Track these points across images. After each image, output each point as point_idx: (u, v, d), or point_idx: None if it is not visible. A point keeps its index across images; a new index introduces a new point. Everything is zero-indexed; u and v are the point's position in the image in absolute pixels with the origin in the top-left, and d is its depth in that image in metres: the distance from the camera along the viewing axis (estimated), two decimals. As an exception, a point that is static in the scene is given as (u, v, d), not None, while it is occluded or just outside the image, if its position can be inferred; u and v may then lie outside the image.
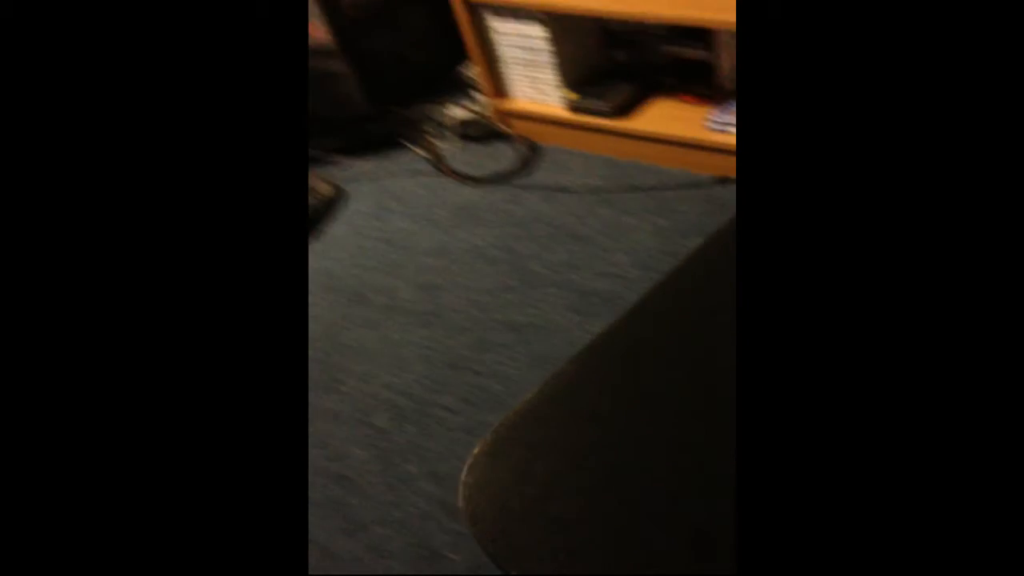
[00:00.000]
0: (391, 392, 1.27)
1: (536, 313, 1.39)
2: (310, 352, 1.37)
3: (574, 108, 1.68)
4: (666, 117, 1.61)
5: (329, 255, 1.56)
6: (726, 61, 1.59)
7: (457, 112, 1.82)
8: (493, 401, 1.22)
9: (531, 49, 1.66)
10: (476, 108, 1.82)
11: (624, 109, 1.65)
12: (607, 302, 1.38)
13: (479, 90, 1.80)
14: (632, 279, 1.43)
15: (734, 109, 1.57)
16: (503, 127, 1.80)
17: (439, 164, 1.74)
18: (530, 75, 1.71)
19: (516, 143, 1.78)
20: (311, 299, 1.51)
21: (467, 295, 1.47)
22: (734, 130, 1.54)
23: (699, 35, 1.60)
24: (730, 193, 1.54)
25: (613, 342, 0.59)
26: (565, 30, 1.64)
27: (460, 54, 1.81)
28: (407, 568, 1.03)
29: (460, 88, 1.89)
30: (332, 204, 1.65)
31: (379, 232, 1.60)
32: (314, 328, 1.44)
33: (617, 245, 1.52)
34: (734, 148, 1.53)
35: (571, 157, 1.72)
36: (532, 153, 1.75)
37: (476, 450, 0.54)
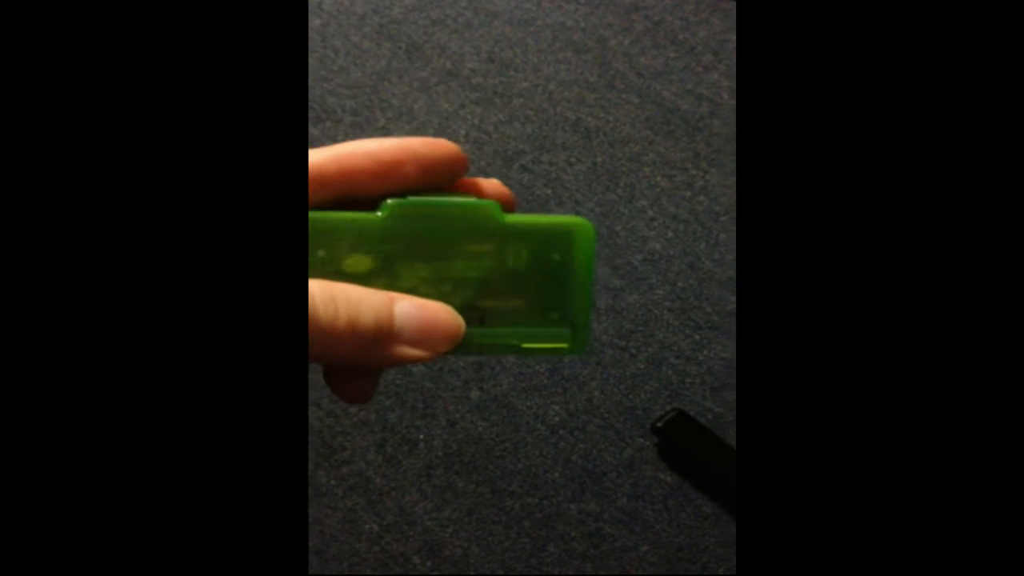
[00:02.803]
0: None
1: (608, 120, 1.21)
2: (347, 97, 1.24)
3: None
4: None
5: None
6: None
7: None
8: (537, 203, 1.18)
9: None
10: None
11: None
12: (688, 125, 1.20)
13: None
14: (724, 107, 1.18)
15: None
16: None
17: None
18: None
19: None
20: (359, 42, 1.34)
21: (540, 80, 1.29)
22: None
23: None
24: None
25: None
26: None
27: None
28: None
29: None
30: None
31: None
32: (357, 74, 1.29)
33: (720, 64, 1.29)
34: None
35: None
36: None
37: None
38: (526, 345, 0.37)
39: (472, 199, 0.36)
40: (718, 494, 0.94)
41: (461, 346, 0.35)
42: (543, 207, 1.17)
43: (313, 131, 1.22)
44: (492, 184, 0.39)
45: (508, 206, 0.38)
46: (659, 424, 0.96)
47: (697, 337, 1.04)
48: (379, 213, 0.35)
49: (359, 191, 0.36)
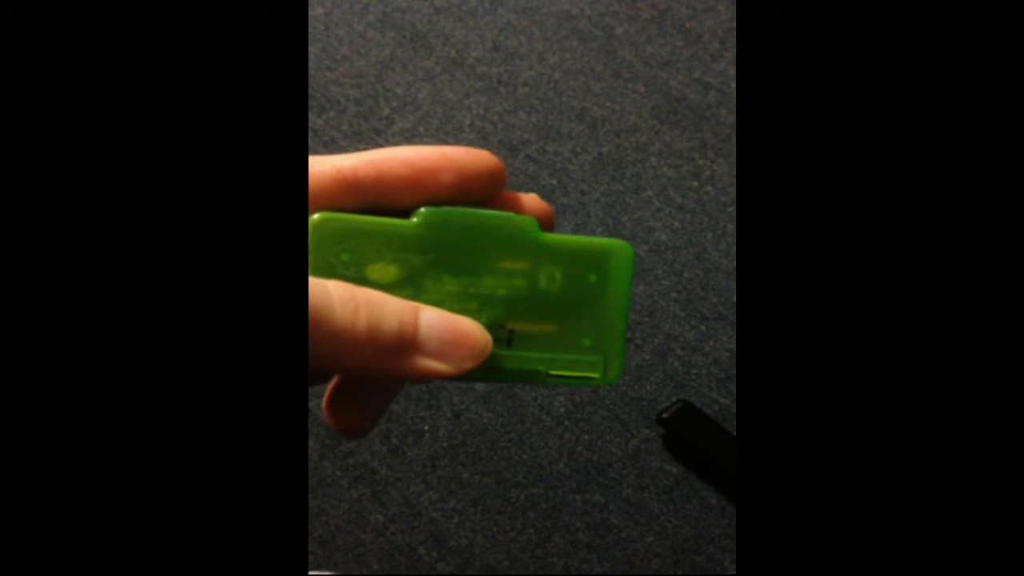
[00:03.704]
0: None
1: (614, 109, 1.21)
2: (351, 86, 1.23)
3: None
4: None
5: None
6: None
7: None
8: (542, 194, 1.12)
9: None
10: None
11: None
12: (695, 114, 1.19)
13: None
14: (731, 95, 1.17)
15: None
16: None
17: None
18: None
19: None
20: (363, 31, 1.33)
21: (545, 69, 1.29)
22: None
23: None
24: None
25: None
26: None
27: None
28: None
29: None
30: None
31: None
32: (360, 64, 1.27)
33: (727, 53, 1.28)
34: None
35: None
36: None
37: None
38: (554, 372, 0.35)
39: (510, 214, 0.35)
40: (723, 485, 0.94)
41: (485, 368, 0.34)
42: (548, 197, 1.16)
43: (317, 121, 1.21)
44: (532, 199, 0.37)
45: (546, 223, 0.36)
46: (665, 415, 0.96)
47: (703, 328, 1.04)
48: (413, 219, 0.34)
49: (392, 199, 0.34)
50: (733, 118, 1.21)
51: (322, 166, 0.33)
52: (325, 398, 0.36)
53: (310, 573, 0.89)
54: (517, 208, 0.36)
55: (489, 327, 0.34)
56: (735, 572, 0.90)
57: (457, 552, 0.91)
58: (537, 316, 0.35)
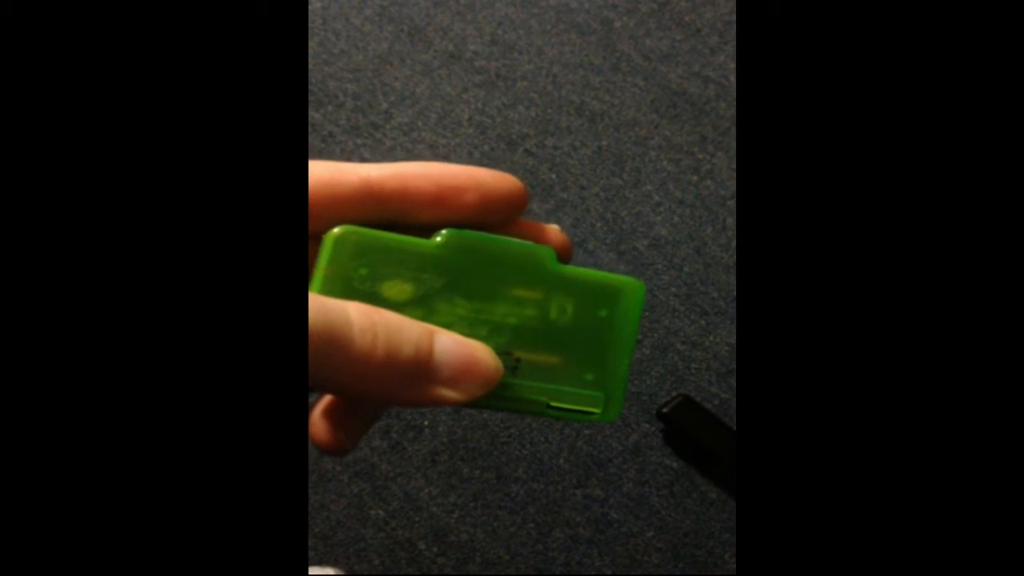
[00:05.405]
0: (432, 152, 1.21)
1: (613, 103, 1.20)
2: (348, 80, 1.23)
3: None
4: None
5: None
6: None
7: None
8: (541, 188, 1.17)
9: None
10: None
11: None
12: (694, 108, 1.19)
13: None
14: (730, 89, 1.17)
15: None
16: None
17: None
18: None
19: None
20: (361, 25, 1.32)
21: (543, 63, 1.28)
22: None
23: None
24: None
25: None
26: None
27: None
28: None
29: None
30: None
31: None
32: (358, 58, 1.28)
33: (726, 46, 1.28)
34: None
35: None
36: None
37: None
38: (555, 404, 0.35)
39: (530, 243, 0.35)
40: (723, 479, 0.94)
41: (488, 395, 0.33)
42: (547, 192, 1.16)
43: (315, 115, 1.21)
44: (553, 230, 0.37)
45: (564, 255, 0.36)
46: (665, 410, 0.96)
47: (703, 323, 1.04)
48: (437, 239, 0.34)
49: (414, 214, 0.34)
50: (733, 112, 1.21)
51: (349, 175, 0.33)
52: (313, 414, 0.36)
53: (311, 569, 0.90)
54: (539, 237, 0.36)
55: (496, 354, 0.34)
56: (735, 566, 0.90)
57: (457, 547, 0.91)
58: (544, 347, 0.35)
